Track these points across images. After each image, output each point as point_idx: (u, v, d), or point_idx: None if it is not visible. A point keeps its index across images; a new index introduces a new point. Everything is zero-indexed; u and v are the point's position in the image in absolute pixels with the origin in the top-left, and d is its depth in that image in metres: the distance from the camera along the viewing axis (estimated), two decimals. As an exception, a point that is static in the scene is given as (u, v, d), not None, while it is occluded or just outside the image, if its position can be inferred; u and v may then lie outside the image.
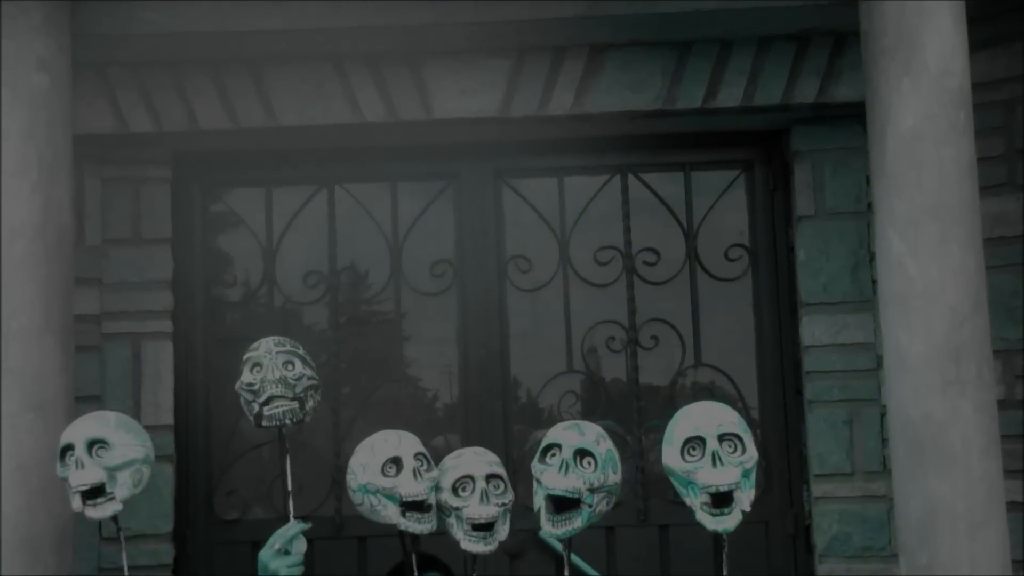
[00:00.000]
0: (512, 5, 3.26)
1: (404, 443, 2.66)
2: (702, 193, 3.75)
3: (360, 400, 3.74)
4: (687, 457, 2.40)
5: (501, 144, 3.69)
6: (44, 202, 2.89)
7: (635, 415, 3.67)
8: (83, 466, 2.56)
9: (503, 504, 2.57)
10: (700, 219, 3.74)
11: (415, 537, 2.61)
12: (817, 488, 3.52)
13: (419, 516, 2.59)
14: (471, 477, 2.59)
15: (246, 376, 2.72)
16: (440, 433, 3.72)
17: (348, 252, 3.76)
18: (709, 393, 3.70)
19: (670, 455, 2.43)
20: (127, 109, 3.47)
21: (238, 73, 3.47)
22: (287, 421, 2.71)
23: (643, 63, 3.47)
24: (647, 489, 3.61)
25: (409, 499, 2.58)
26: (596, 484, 2.42)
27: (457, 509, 2.58)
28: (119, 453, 2.60)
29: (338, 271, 3.75)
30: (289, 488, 2.76)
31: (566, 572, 2.55)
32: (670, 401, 3.68)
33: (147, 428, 3.13)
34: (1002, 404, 2.89)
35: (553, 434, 2.51)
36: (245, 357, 2.71)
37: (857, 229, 3.56)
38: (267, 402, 2.68)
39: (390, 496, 2.61)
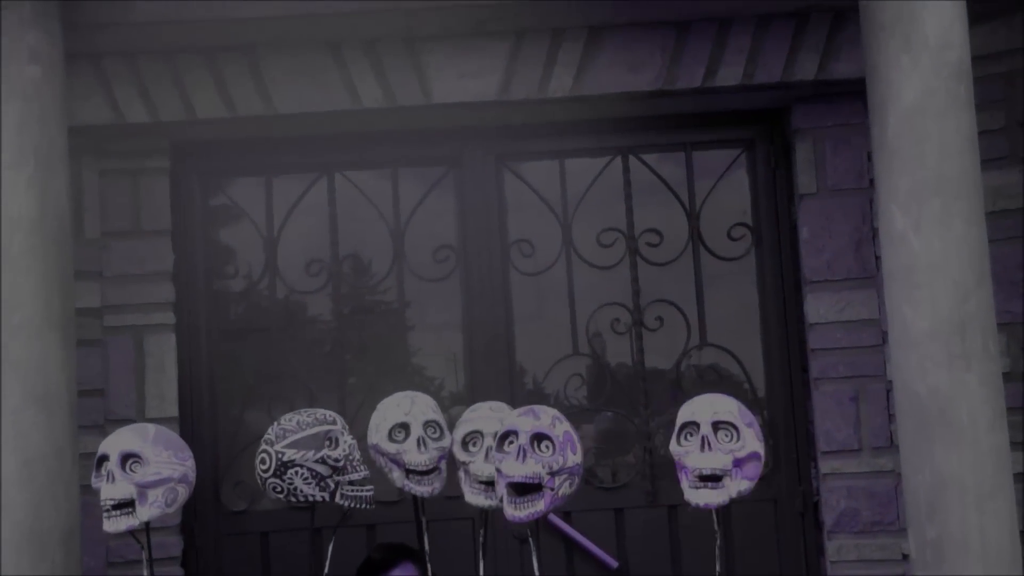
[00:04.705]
0: (509, -13, 3.24)
1: (416, 408, 2.66)
2: (704, 173, 3.73)
3: (366, 389, 3.73)
4: (683, 442, 2.46)
5: (501, 128, 3.67)
6: (40, 195, 2.87)
7: (641, 396, 3.66)
8: (114, 480, 2.53)
9: None
10: (702, 199, 3.72)
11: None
12: (824, 465, 3.52)
13: (420, 478, 2.63)
14: (480, 433, 2.61)
15: (330, 450, 2.57)
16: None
17: (350, 240, 3.75)
18: (714, 373, 3.69)
19: (672, 443, 2.50)
20: (123, 100, 3.45)
21: (235, 61, 3.45)
22: (372, 506, 2.68)
23: (642, 43, 3.45)
24: (655, 470, 3.61)
25: (412, 468, 2.61)
26: (556, 467, 2.44)
27: (464, 464, 2.62)
28: (152, 470, 2.55)
29: (340, 259, 3.74)
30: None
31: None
32: (676, 382, 3.68)
33: (152, 421, 3.15)
34: (1007, 376, 2.89)
35: (509, 421, 2.53)
36: (315, 430, 2.60)
37: (860, 205, 3.55)
38: (359, 481, 2.63)
39: (396, 462, 2.64)
